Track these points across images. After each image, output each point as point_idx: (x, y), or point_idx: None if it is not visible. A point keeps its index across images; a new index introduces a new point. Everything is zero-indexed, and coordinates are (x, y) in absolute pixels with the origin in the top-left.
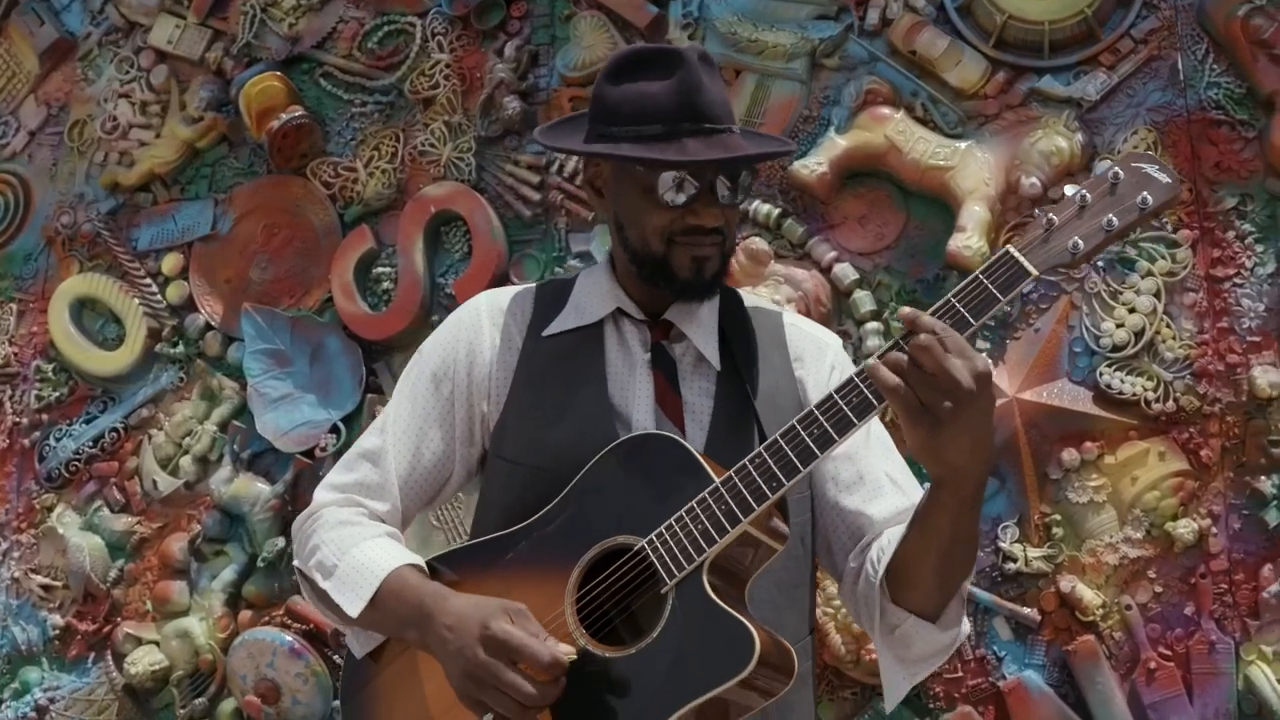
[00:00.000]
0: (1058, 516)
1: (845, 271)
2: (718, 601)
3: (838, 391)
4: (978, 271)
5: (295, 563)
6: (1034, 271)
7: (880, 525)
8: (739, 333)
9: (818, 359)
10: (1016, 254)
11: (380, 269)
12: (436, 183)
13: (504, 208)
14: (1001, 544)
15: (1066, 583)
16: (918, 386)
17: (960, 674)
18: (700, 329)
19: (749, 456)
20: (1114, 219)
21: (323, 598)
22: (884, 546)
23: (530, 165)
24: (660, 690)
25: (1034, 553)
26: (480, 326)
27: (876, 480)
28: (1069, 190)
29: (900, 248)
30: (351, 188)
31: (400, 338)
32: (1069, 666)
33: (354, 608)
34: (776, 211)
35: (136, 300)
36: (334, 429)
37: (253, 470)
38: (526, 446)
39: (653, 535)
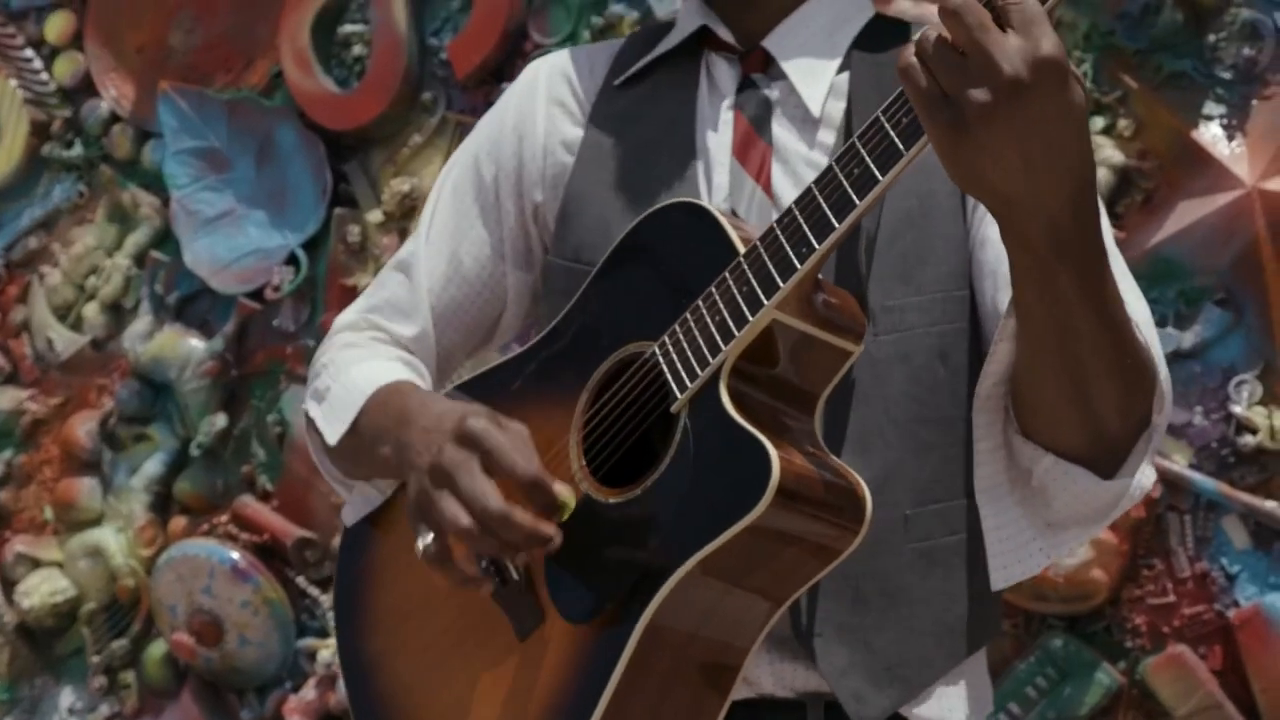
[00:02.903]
0: None
1: None
2: (734, 415)
3: (885, 111)
4: None
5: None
6: None
7: None
8: (884, 73)
9: None
10: None
11: (348, 28)
12: None
13: None
14: (1235, 407)
15: None
16: (939, 68)
17: (1171, 599)
18: (806, 62)
19: (778, 215)
20: None
21: (318, 441)
22: None
23: None
24: (661, 545)
25: None
26: (535, 90)
27: None
28: None
29: None
30: None
31: (379, 126)
32: None
33: (335, 433)
34: None
35: (12, 82)
36: (291, 259)
37: (182, 320)
38: (589, 239)
39: (664, 336)
